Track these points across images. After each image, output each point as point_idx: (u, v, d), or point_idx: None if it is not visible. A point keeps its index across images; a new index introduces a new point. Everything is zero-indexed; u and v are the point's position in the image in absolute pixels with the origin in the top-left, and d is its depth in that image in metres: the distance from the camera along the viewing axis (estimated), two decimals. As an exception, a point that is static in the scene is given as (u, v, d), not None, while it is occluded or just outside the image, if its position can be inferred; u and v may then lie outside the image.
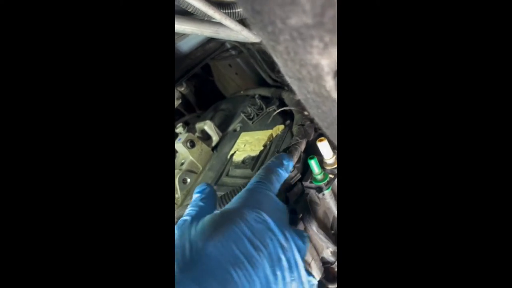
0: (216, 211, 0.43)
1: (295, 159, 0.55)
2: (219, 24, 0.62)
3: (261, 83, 1.07)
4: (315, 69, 0.24)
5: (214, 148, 0.80)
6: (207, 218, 0.40)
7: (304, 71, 0.24)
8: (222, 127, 0.85)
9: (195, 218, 0.40)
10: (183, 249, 0.35)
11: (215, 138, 0.80)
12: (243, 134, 0.76)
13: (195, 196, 0.45)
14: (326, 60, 0.22)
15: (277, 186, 0.48)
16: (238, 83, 1.18)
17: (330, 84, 0.24)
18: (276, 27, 0.21)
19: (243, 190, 0.45)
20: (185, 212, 0.42)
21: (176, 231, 0.39)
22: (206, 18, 0.63)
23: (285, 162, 0.50)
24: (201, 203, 0.43)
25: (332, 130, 0.30)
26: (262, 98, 0.85)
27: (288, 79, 0.27)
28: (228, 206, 0.43)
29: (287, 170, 0.50)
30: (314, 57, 0.22)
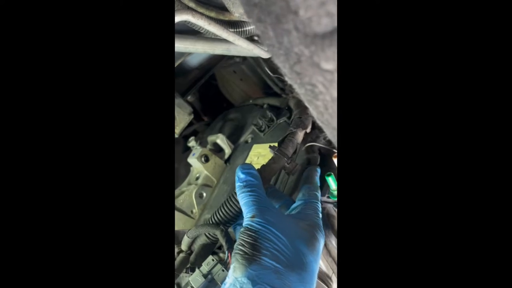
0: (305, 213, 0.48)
1: (291, 150, 0.55)
2: (230, 42, 0.63)
3: (266, 88, 1.07)
4: None
5: (227, 161, 0.81)
6: (302, 224, 0.44)
7: None
8: (233, 138, 0.86)
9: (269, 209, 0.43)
10: (280, 240, 0.40)
11: (227, 151, 0.81)
12: (255, 146, 0.77)
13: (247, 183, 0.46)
14: None
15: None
16: (243, 89, 1.19)
17: None
18: (317, 88, 0.22)
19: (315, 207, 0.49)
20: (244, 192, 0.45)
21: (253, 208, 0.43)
22: (216, 36, 0.64)
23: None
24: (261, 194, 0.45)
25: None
26: (271, 107, 0.86)
27: (320, 124, 0.28)
28: (313, 219, 0.47)
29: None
30: None
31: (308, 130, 0.60)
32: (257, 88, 1.14)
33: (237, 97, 1.21)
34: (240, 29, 0.60)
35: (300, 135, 0.57)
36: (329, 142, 0.59)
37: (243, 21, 0.61)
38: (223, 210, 0.50)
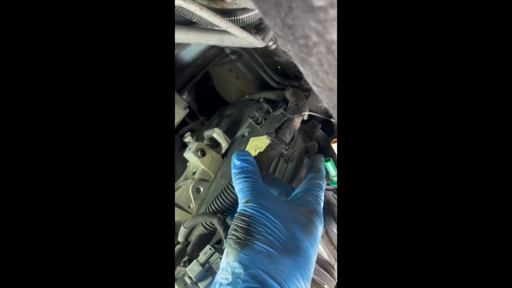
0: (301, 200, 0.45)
1: (288, 136, 0.54)
2: (223, 31, 0.62)
3: (262, 86, 1.07)
4: None
5: (224, 155, 0.80)
6: (300, 209, 0.43)
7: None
8: (230, 133, 0.85)
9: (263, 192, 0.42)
10: (274, 225, 0.38)
11: (224, 145, 0.80)
12: (252, 139, 0.76)
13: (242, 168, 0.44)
14: None
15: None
16: (239, 87, 1.18)
17: None
18: (310, 40, 0.21)
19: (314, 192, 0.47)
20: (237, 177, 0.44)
21: (245, 189, 0.42)
22: (209, 27, 0.63)
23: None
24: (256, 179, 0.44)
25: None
26: (268, 101, 0.85)
27: (315, 89, 0.27)
28: (312, 205, 0.45)
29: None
30: None
31: (306, 117, 0.59)
32: (253, 86, 1.13)
33: (233, 96, 1.21)
34: (233, 18, 0.59)
35: (297, 122, 0.56)
36: (325, 112, 0.58)
37: (236, 10, 0.60)
38: (220, 199, 0.48)
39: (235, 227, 0.38)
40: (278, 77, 0.92)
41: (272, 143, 0.53)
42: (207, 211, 0.48)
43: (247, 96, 0.98)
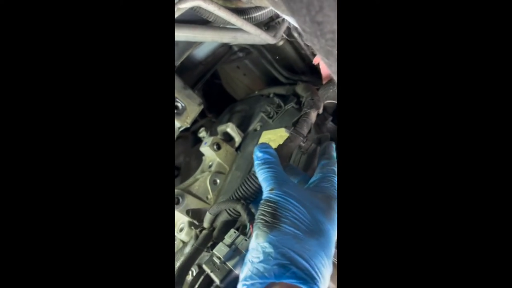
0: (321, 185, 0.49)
1: (306, 130, 0.57)
2: (237, 29, 0.65)
3: (270, 82, 1.10)
4: None
5: (237, 149, 0.83)
6: (319, 195, 0.46)
7: None
8: (242, 128, 0.88)
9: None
10: (298, 210, 0.42)
11: (237, 139, 0.83)
12: (265, 132, 0.79)
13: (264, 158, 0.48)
14: None
15: None
16: (246, 84, 1.21)
17: None
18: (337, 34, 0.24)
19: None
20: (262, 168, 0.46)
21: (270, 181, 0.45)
22: (222, 25, 0.66)
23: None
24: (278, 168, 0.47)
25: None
26: (278, 96, 0.88)
27: (337, 79, 0.31)
28: (329, 191, 0.48)
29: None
30: None
31: (321, 111, 0.62)
32: (261, 81, 1.16)
33: (241, 93, 1.23)
34: (247, 16, 0.62)
35: (313, 115, 0.59)
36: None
37: (249, 8, 0.63)
38: (243, 187, 0.52)
39: (263, 212, 0.42)
40: (287, 73, 0.95)
41: (291, 136, 0.56)
42: (231, 199, 0.52)
43: (256, 92, 1.01)
